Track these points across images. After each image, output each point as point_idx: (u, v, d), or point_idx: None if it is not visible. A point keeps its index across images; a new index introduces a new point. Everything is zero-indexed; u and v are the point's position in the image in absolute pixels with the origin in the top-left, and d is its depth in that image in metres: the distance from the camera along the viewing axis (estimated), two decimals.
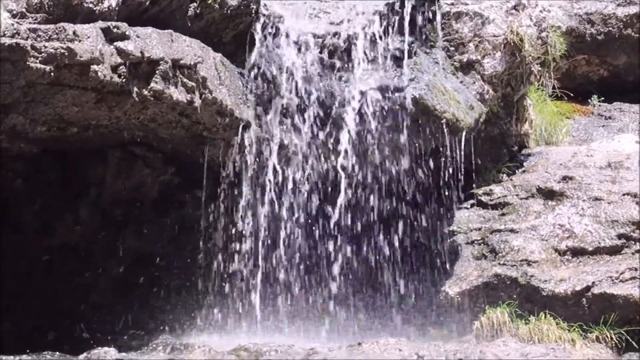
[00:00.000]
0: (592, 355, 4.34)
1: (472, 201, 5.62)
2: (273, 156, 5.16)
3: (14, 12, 3.98)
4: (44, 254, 5.10)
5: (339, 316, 5.31)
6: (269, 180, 5.17)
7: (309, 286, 5.35)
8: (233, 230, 5.23)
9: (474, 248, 5.29)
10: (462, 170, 5.39)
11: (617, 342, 4.57)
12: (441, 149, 5.37)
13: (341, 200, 5.27)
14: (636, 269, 4.80)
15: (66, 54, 3.98)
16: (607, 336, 4.60)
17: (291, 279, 5.29)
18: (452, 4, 5.80)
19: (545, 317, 4.71)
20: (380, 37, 5.37)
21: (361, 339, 4.28)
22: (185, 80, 4.60)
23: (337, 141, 5.22)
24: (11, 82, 3.95)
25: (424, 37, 5.59)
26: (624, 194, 5.31)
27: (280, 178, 5.21)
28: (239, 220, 5.21)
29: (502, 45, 5.80)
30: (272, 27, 5.26)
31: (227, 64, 5.02)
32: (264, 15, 5.21)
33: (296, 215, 5.29)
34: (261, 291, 5.20)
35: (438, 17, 5.64)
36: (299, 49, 5.31)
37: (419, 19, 5.52)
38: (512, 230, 5.28)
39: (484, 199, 5.62)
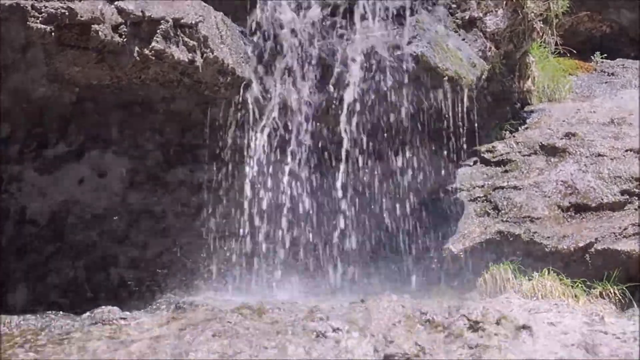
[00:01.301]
0: (595, 311, 4.35)
1: (475, 158, 5.63)
2: (274, 115, 5.15)
3: None
4: (43, 214, 5.09)
5: (341, 274, 5.32)
6: (271, 138, 5.17)
7: (313, 244, 5.36)
8: (237, 189, 5.23)
9: (477, 205, 5.31)
10: (465, 127, 5.38)
11: (620, 297, 4.60)
12: (443, 106, 5.35)
13: (344, 159, 5.28)
14: (639, 225, 4.82)
15: (67, 13, 3.96)
16: (610, 292, 4.63)
17: (296, 236, 5.30)
18: None
19: (548, 273, 4.74)
20: None
21: (363, 296, 4.29)
22: (186, 39, 4.58)
23: (339, 100, 5.20)
24: (12, 43, 3.94)
25: None
26: (626, 150, 5.32)
27: (283, 136, 5.21)
28: (242, 179, 5.21)
29: (504, 2, 5.76)
30: None
31: (228, 22, 5.00)
32: None
33: (300, 171, 5.29)
34: (266, 250, 5.22)
35: None
36: (300, 7, 5.27)
37: None
38: (514, 187, 5.29)
39: (486, 156, 5.63)
